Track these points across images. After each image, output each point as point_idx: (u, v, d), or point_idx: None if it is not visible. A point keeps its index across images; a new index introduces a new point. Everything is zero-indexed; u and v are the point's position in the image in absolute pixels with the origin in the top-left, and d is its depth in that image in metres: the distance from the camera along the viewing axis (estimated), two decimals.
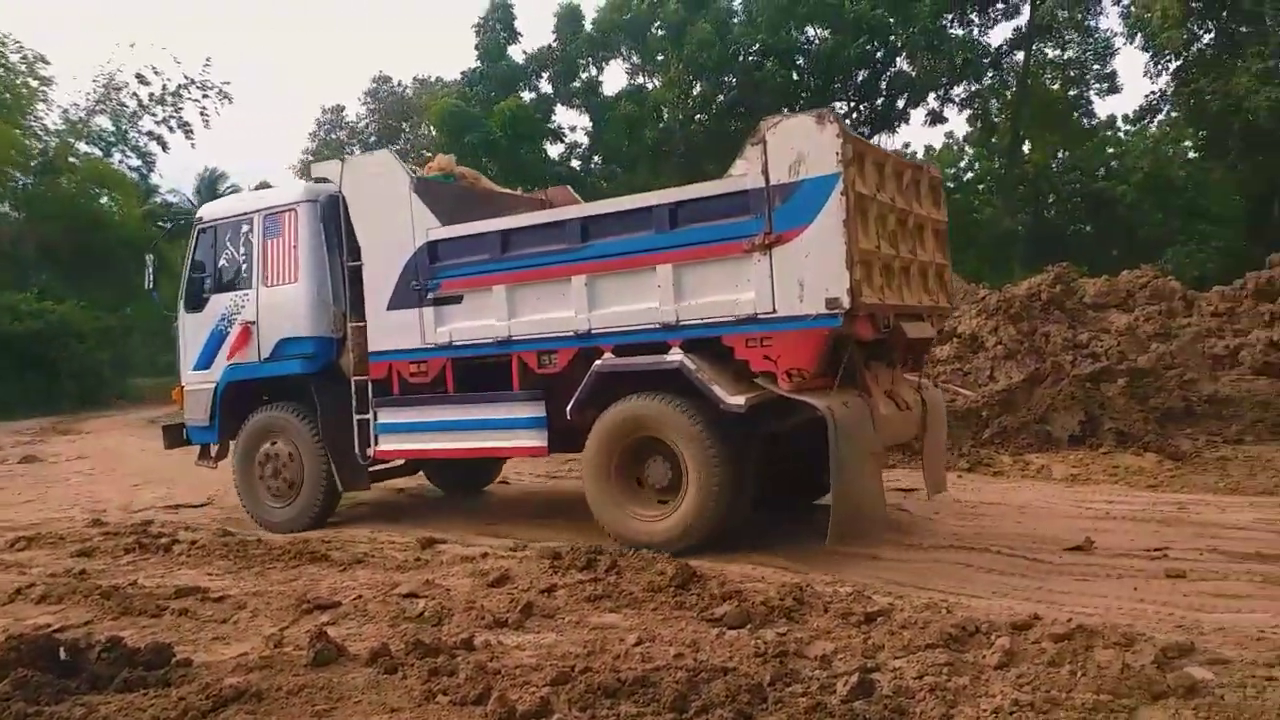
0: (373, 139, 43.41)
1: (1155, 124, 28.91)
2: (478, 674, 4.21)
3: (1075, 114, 32.21)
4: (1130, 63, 66.45)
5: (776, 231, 6.00)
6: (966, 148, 39.76)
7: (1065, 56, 30.95)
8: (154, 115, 32.69)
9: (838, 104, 31.52)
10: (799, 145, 5.93)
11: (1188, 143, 29.84)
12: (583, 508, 7.11)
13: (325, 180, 8.33)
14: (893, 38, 28.98)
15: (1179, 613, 5.15)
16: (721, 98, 30.21)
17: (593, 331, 6.76)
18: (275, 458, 8.57)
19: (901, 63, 30.49)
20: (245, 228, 8.72)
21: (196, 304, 9.08)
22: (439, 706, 3.98)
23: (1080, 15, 27.67)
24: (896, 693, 3.91)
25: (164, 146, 33.60)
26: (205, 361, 8.96)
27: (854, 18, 27.69)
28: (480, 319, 7.23)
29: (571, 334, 6.84)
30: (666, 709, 3.77)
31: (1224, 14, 21.31)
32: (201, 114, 32.89)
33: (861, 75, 30.58)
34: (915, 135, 79.86)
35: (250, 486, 8.77)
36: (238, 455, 8.86)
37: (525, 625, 5.15)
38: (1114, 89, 30.36)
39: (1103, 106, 38.23)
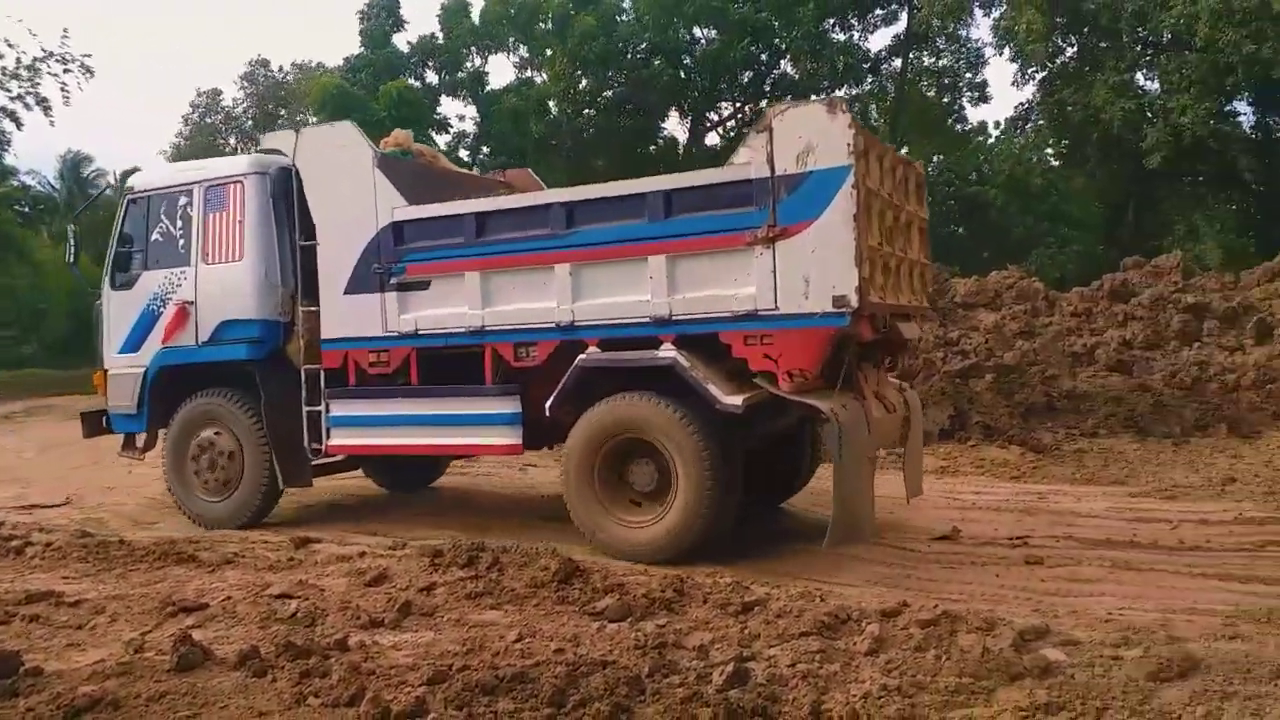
0: (249, 124, 41.81)
1: (1022, 132, 30.32)
2: (351, 675, 4.11)
3: (950, 120, 33.47)
4: (1001, 73, 69.43)
5: (781, 224, 5.74)
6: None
7: (940, 64, 32.12)
8: (8, 90, 30.63)
9: (723, 104, 31.98)
10: (808, 134, 5.69)
11: (1049, 150, 31.41)
12: (467, 506, 7.02)
13: (276, 151, 7.79)
14: (777, 40, 29.53)
15: (1036, 597, 5.43)
16: (609, 93, 30.24)
17: (576, 324, 6.41)
18: (212, 448, 8.06)
19: (786, 65, 31.12)
20: (183, 200, 8.11)
21: (124, 281, 8.44)
22: (310, 709, 3.87)
23: (953, 25, 28.74)
24: (770, 680, 4.00)
25: (18, 124, 31.48)
26: (133, 344, 8.32)
27: (739, 20, 28.10)
28: (450, 307, 6.82)
29: (553, 325, 6.47)
30: (544, 704, 3.76)
31: (1085, 29, 22.47)
32: (62, 89, 30.85)
33: (747, 76, 31.07)
34: None
35: (182, 479, 8.23)
36: (169, 445, 8.29)
37: (403, 625, 5.05)
38: (984, 98, 31.69)
39: (977, 113, 39.95)
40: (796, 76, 30.38)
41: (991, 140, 34.77)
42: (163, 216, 8.22)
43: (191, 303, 7.97)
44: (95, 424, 8.89)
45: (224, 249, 7.90)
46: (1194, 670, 4.01)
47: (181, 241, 8.10)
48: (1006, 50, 25.38)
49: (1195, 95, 19.44)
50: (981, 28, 39.92)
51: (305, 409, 7.59)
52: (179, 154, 38.85)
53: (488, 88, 31.36)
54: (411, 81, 30.01)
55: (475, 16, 30.69)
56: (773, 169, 5.76)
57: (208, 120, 43.16)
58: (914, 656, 4.26)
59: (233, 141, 41.91)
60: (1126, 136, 21.35)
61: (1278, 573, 5.68)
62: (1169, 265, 15.24)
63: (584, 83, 30.11)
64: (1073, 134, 26.45)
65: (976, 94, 31.95)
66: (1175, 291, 14.19)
